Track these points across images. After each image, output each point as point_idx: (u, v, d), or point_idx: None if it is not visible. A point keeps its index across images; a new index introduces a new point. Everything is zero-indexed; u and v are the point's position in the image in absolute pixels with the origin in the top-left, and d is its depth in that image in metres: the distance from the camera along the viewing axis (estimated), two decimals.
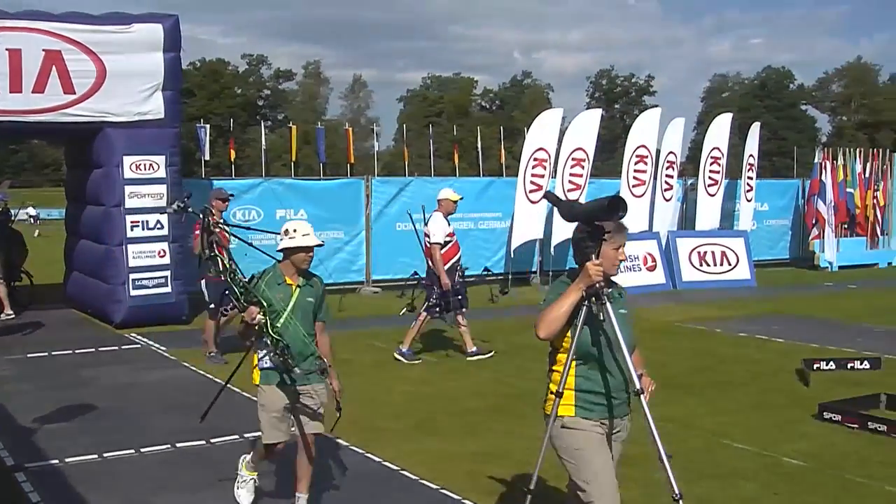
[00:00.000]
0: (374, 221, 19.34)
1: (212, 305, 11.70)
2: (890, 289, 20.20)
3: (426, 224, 12.46)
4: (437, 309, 12.18)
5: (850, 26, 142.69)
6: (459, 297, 12.17)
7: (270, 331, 5.86)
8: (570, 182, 20.07)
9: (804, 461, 7.68)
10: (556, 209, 5.12)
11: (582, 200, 20.18)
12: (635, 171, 21.07)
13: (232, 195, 12.65)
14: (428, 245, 12.16)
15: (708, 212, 22.63)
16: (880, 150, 27.31)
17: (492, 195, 20.83)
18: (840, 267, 24.04)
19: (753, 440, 8.31)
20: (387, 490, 7.11)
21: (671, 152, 22.00)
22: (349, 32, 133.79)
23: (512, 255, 19.94)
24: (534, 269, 20.55)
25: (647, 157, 21.22)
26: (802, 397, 9.93)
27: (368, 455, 7.93)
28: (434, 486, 7.02)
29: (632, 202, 20.80)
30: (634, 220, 20.65)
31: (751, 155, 23.65)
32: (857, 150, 26.89)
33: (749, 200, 23.51)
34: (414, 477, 7.30)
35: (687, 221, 22.81)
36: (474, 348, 12.34)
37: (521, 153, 20.29)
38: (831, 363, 11.49)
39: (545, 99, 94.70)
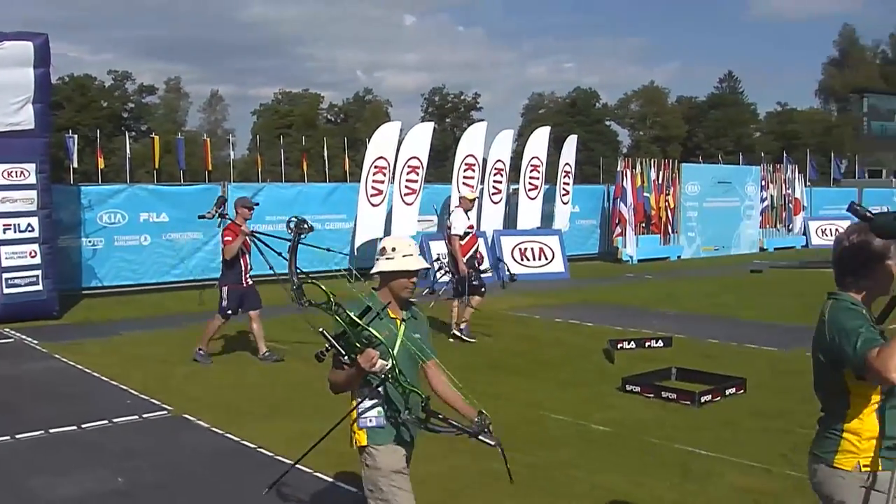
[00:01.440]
0: None
1: (229, 311, 11.22)
2: (679, 278, 20.96)
3: (448, 218, 12.97)
4: (462, 291, 12.32)
5: (645, 56, 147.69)
6: (475, 282, 12.38)
7: (400, 380, 4.27)
8: (406, 187, 20.26)
9: (611, 427, 7.97)
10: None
11: (416, 204, 20.40)
12: (464, 177, 21.35)
13: (257, 203, 12.38)
14: (449, 236, 12.53)
15: (529, 213, 23.16)
16: (670, 161, 28.42)
17: (337, 199, 20.77)
18: (639, 260, 24.84)
19: (568, 411, 8.57)
20: (246, 467, 7.05)
21: (499, 160, 22.38)
22: (207, 52, 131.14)
23: (356, 254, 19.95)
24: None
25: (474, 164, 21.55)
26: (609, 373, 10.23)
27: (228, 435, 7.83)
28: (288, 461, 6.99)
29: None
30: (464, 221, 21.03)
31: (567, 163, 24.25)
32: (652, 160, 27.90)
33: (565, 203, 24.12)
34: (270, 454, 7.26)
35: (510, 221, 23.22)
36: (463, 327, 12.47)
37: (364, 161, 20.35)
38: (632, 343, 11.85)
39: (385, 113, 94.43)
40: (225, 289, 11.14)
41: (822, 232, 32.10)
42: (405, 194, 20.28)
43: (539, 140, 23.82)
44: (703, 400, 8.77)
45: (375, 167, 19.96)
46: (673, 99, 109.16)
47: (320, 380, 10.05)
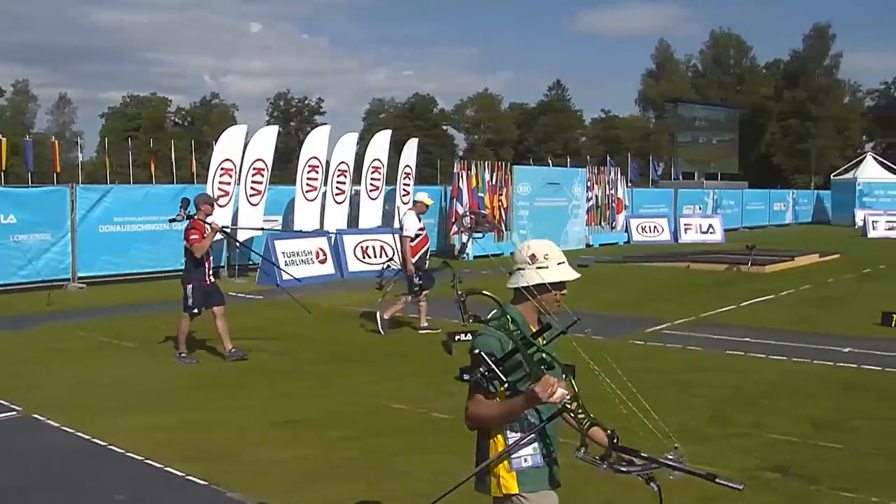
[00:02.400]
0: (78, 225, 18.27)
1: (195, 310, 10.57)
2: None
3: (400, 220, 13.16)
4: (417, 290, 12.72)
5: (480, 64, 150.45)
6: (420, 281, 12.75)
7: (584, 411, 3.41)
8: (251, 188, 19.97)
9: (450, 414, 8.08)
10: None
11: (262, 205, 20.14)
12: (308, 178, 21.21)
13: (218, 199, 11.72)
14: (400, 237, 12.87)
15: (370, 213, 23.18)
16: (503, 163, 28.99)
17: None
18: (475, 257, 25.22)
19: (409, 401, 8.65)
20: (97, 465, 6.82)
21: (342, 162, 22.28)
22: (56, 56, 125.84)
23: None
24: (221, 265, 20.18)
25: (318, 167, 21.43)
26: (448, 363, 10.34)
27: (78, 434, 7.52)
28: (139, 458, 6.82)
29: (305, 206, 21.11)
30: (308, 220, 20.89)
31: (407, 165, 24.40)
32: (486, 162, 28.36)
33: (405, 203, 24.25)
34: (121, 451, 7.03)
35: (353, 221, 23.16)
36: (425, 324, 12.90)
37: (210, 163, 19.93)
38: (469, 335, 12.00)
39: (231, 117, 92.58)
40: (189, 286, 10.64)
41: (642, 229, 33.44)
42: (250, 195, 20.01)
43: (380, 143, 23.87)
44: None
45: (222, 169, 19.59)
46: (506, 105, 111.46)
47: (177, 375, 9.81)
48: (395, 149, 25.02)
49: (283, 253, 18.84)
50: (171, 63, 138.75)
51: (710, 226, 34.54)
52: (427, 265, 13.26)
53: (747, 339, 12.01)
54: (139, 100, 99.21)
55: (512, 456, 3.43)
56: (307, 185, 21.23)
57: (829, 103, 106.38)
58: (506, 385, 3.29)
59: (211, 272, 10.85)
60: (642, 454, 3.38)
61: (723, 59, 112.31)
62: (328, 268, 20.32)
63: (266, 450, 7.08)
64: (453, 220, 23.51)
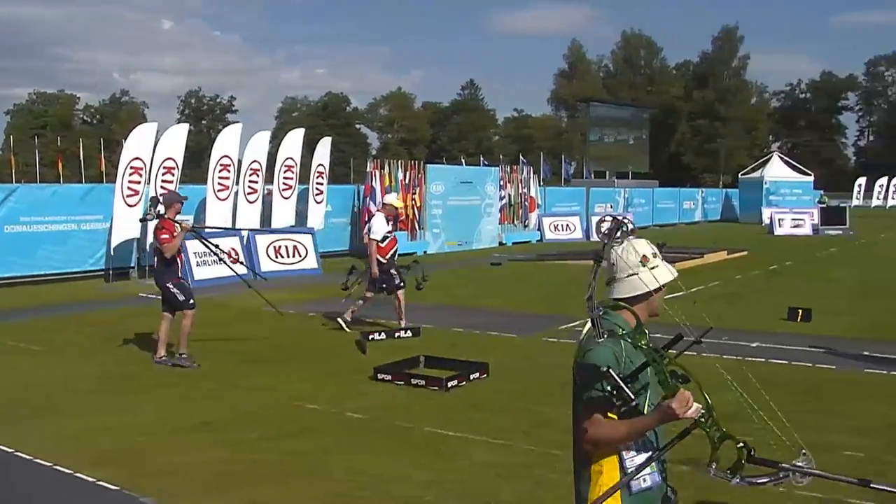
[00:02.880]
0: None
1: (190, 301, 10.42)
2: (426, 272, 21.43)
3: (368, 223, 13.22)
4: (377, 289, 12.67)
5: (393, 63, 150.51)
6: (384, 284, 12.67)
7: (713, 425, 3.14)
8: (161, 188, 19.55)
9: (364, 414, 8.10)
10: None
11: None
12: (220, 178, 20.95)
13: (185, 197, 11.41)
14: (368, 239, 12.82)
15: (283, 212, 22.98)
16: (416, 162, 29.03)
17: (93, 200, 19.69)
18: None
19: (323, 401, 8.64)
20: (4, 473, 6.62)
21: (255, 161, 22.04)
22: None
23: (112, 253, 19.10)
24: (132, 265, 19.79)
25: (230, 165, 21.17)
26: (362, 363, 10.32)
27: None
28: (47, 464, 6.66)
29: (217, 205, 20.82)
30: (220, 219, 20.58)
31: (320, 164, 24.24)
32: (399, 161, 28.40)
33: (318, 202, 24.13)
34: (28, 457, 6.85)
35: (266, 220, 22.93)
36: (347, 316, 12.75)
37: (119, 162, 19.49)
38: (382, 334, 12.10)
39: (141, 114, 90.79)
40: (170, 285, 10.40)
41: (555, 227, 33.86)
42: (160, 194, 19.60)
43: (293, 142, 23.69)
44: (450, 385, 9.05)
45: (131, 168, 19.14)
46: (419, 104, 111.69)
47: (84, 378, 9.59)
48: (308, 148, 24.85)
49: (196, 253, 18.53)
50: (80, 59, 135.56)
51: None
52: (392, 267, 12.98)
53: (658, 335, 12.25)
54: (46, 97, 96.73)
55: (633, 477, 3.10)
56: (219, 184, 20.96)
57: (737, 104, 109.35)
58: (632, 403, 2.96)
59: (181, 271, 10.80)
60: (781, 464, 3.18)
61: (634, 60, 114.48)
62: (240, 268, 20.03)
63: (179, 452, 6.99)
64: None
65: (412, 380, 9.29)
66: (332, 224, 25.62)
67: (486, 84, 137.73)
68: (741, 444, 3.11)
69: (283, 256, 21.27)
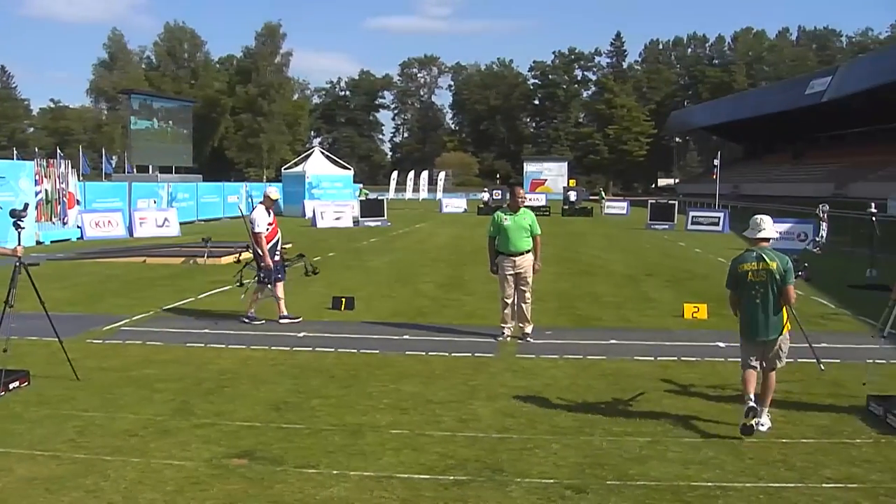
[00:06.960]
0: None
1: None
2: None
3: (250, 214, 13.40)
4: (265, 280, 13.01)
5: None
6: (279, 275, 13.30)
7: None
8: None
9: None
10: None
11: None
12: None
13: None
14: (252, 233, 13.13)
15: None
16: None
17: None
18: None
19: None
20: None
21: None
22: None
23: None
24: None
25: None
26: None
27: None
28: None
29: None
30: None
31: None
32: None
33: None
34: None
35: None
36: (285, 313, 13.10)
37: None
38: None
39: None
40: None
41: (96, 224, 32.31)
42: None
43: None
44: None
45: None
46: None
47: None
48: None
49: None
50: None
51: (166, 219, 34.42)
52: (278, 256, 13.53)
53: (206, 331, 12.30)
54: None
55: None
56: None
57: (280, 99, 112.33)
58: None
59: None
60: None
61: (177, 53, 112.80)
62: None
63: None
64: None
65: None
66: None
67: (19, 71, 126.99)
68: None
69: None
